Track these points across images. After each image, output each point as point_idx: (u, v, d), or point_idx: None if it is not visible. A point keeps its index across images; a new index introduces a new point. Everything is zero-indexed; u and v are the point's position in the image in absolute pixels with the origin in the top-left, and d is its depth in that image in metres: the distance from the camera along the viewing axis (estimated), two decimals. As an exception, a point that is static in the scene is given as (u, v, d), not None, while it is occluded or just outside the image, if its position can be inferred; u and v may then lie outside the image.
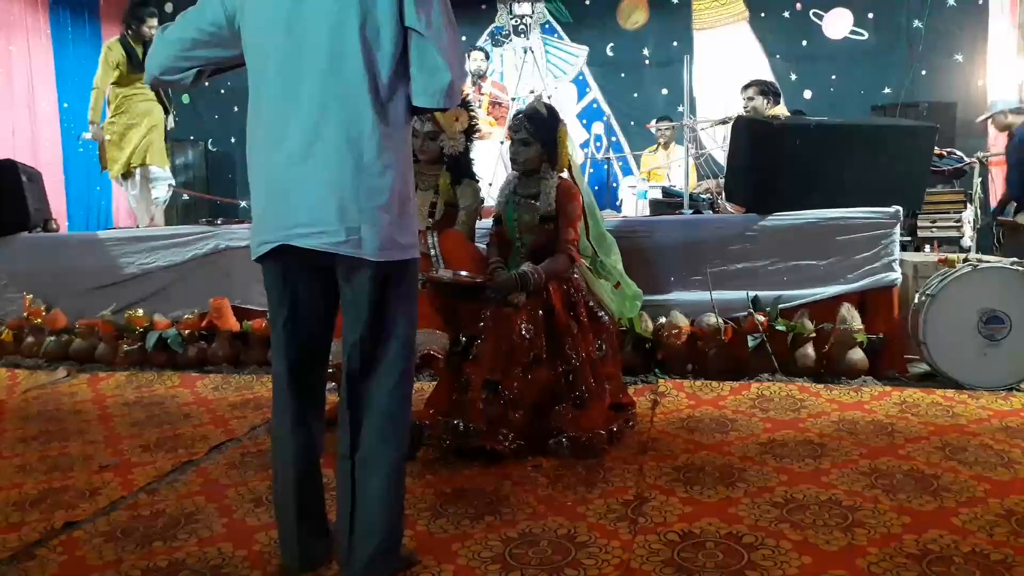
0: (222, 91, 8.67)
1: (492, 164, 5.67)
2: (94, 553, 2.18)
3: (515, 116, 3.21)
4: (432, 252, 3.21)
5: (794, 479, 2.50)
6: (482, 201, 3.46)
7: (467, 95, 3.44)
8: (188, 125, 8.81)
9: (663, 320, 3.89)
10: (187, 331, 4.47)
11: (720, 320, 3.80)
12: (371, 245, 1.78)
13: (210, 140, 8.75)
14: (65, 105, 7.77)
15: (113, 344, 4.60)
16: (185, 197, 8.14)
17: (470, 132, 3.35)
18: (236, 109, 8.69)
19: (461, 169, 3.33)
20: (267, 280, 1.94)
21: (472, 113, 3.36)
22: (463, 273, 3.04)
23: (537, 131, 3.08)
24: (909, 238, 5.27)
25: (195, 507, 2.47)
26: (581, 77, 8.17)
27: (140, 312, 4.58)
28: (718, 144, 6.06)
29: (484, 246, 3.42)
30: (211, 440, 3.16)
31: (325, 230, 1.78)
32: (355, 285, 1.84)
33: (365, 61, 1.77)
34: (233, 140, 8.81)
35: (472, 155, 3.48)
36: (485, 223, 3.53)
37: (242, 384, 4.05)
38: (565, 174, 3.22)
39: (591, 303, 3.13)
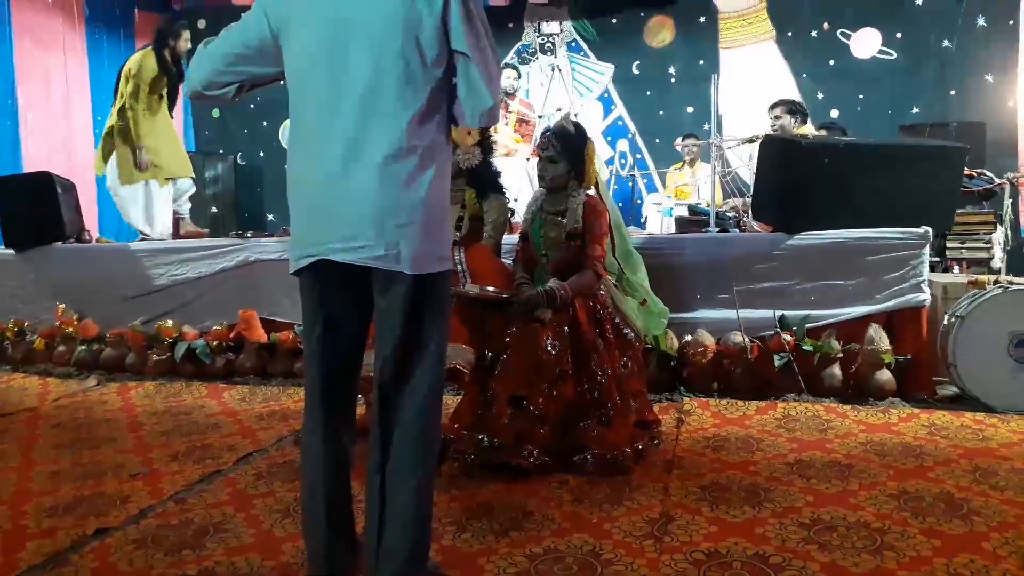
0: (252, 105, 8.81)
1: (518, 181, 5.69)
2: (125, 560, 2.21)
3: (543, 133, 3.25)
4: (459, 267, 3.24)
5: (821, 500, 2.48)
6: (511, 214, 3.48)
7: None
8: (217, 139, 8.97)
9: (689, 338, 3.88)
10: (215, 342, 4.53)
11: (746, 339, 3.79)
12: (408, 259, 1.81)
13: (239, 154, 8.88)
14: (99, 118, 7.91)
15: (143, 354, 4.67)
16: (214, 210, 8.26)
17: (485, 145, 3.38)
18: (265, 124, 8.83)
19: (486, 183, 3.36)
20: (303, 293, 1.96)
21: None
22: (490, 288, 3.06)
23: (564, 148, 3.11)
24: (938, 259, 5.21)
25: (223, 516, 2.51)
26: (607, 94, 8.20)
27: (170, 323, 4.65)
28: (744, 163, 6.06)
29: (510, 262, 3.44)
30: (238, 450, 3.19)
31: (364, 245, 1.81)
32: (390, 298, 1.87)
33: (408, 82, 1.80)
34: (262, 154, 8.93)
35: (496, 168, 3.51)
36: (512, 238, 3.56)
37: (269, 395, 4.09)
38: (592, 191, 3.23)
39: (617, 320, 3.14)
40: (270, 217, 8.73)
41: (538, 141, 3.26)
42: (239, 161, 8.85)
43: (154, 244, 5.14)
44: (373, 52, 1.80)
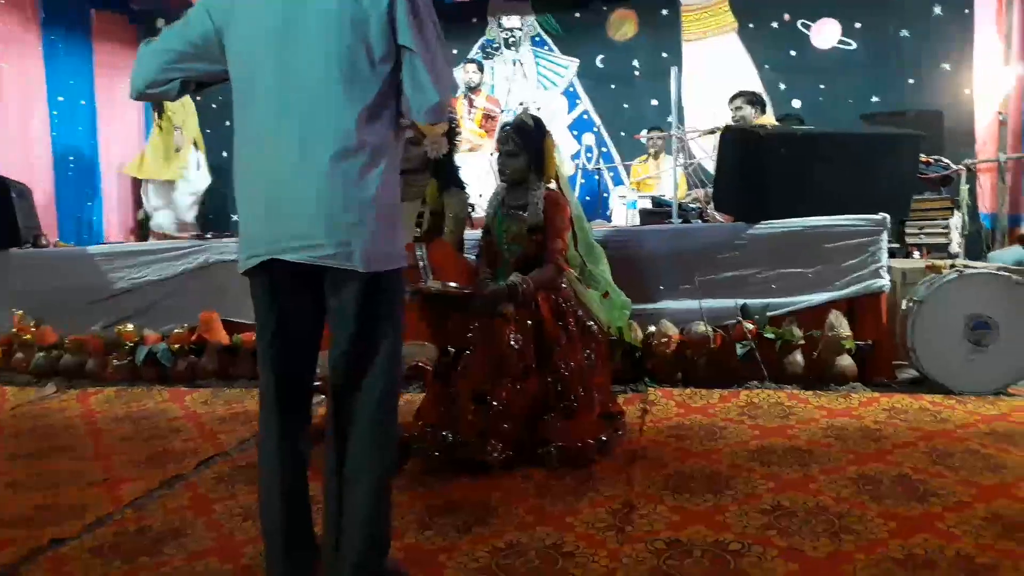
0: (213, 105, 8.67)
1: (483, 176, 5.68)
2: (80, 570, 2.17)
3: (502, 128, 3.24)
4: (421, 263, 3.22)
5: (782, 486, 2.50)
6: (471, 210, 3.47)
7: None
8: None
9: (652, 329, 3.89)
10: (177, 345, 4.46)
11: (709, 328, 3.82)
12: (360, 257, 1.79)
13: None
14: (55, 119, 7.76)
15: (102, 359, 4.59)
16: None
17: (452, 135, 3.36)
18: (228, 123, 8.64)
19: (448, 177, 3.34)
20: (254, 293, 1.94)
21: (451, 115, 3.37)
22: (452, 284, 3.05)
23: (524, 142, 3.10)
24: (897, 245, 5.29)
25: (183, 522, 2.47)
26: (572, 89, 8.20)
27: (130, 327, 4.57)
28: (708, 154, 6.09)
29: (474, 257, 3.43)
30: (200, 454, 3.15)
31: (314, 244, 1.79)
32: (342, 297, 1.85)
33: (355, 78, 1.78)
34: (225, 153, 8.80)
35: (458, 163, 3.49)
36: (475, 234, 3.54)
37: (231, 398, 4.04)
38: (552, 185, 3.23)
39: (580, 313, 3.14)
40: (235, 217, 8.58)
41: (498, 136, 3.25)
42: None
43: (113, 247, 5.06)
44: (319, 49, 1.78)
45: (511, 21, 7.46)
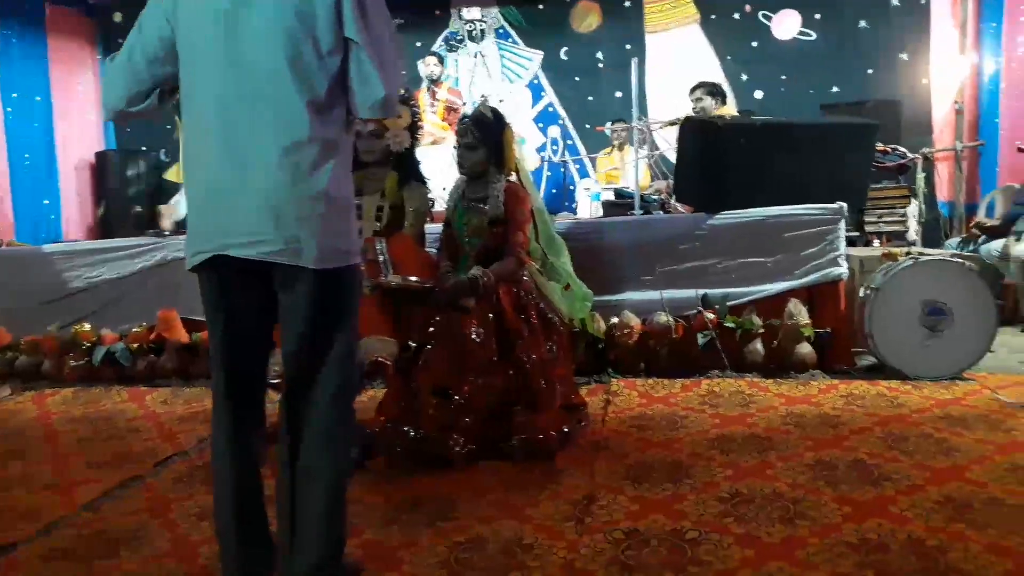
0: (174, 102, 8.53)
1: (445, 169, 5.64)
2: (32, 575, 2.13)
3: (461, 120, 3.22)
4: (381, 258, 3.19)
5: (740, 474, 2.53)
6: (432, 204, 3.45)
7: (407, 91, 3.42)
8: (139, 136, 8.66)
9: (615, 320, 3.91)
10: (135, 344, 4.39)
11: (671, 319, 3.84)
12: (310, 253, 1.77)
13: (163, 151, 8.60)
14: (9, 116, 7.58)
15: (59, 360, 4.49)
16: (137, 209, 8.00)
17: (414, 129, 3.34)
18: (188, 119, 8.55)
19: (408, 171, 3.32)
20: (203, 290, 1.91)
21: (414, 108, 3.35)
22: (412, 278, 3.03)
23: (483, 135, 3.09)
24: (857, 233, 5.36)
25: (139, 524, 2.43)
26: (536, 81, 8.18)
27: (87, 327, 4.48)
28: (671, 145, 6.12)
29: (435, 251, 3.41)
30: (159, 455, 3.10)
31: (262, 239, 1.76)
32: (293, 294, 1.82)
33: (303, 70, 1.76)
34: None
35: (419, 156, 3.47)
36: (437, 227, 3.52)
37: (192, 397, 3.99)
38: (513, 177, 3.22)
39: (541, 305, 3.14)
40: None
41: (457, 128, 3.23)
42: (163, 158, 8.57)
43: (69, 245, 4.96)
44: (266, 42, 1.75)
45: (471, 13, 7.41)
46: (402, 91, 3.38)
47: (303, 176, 1.77)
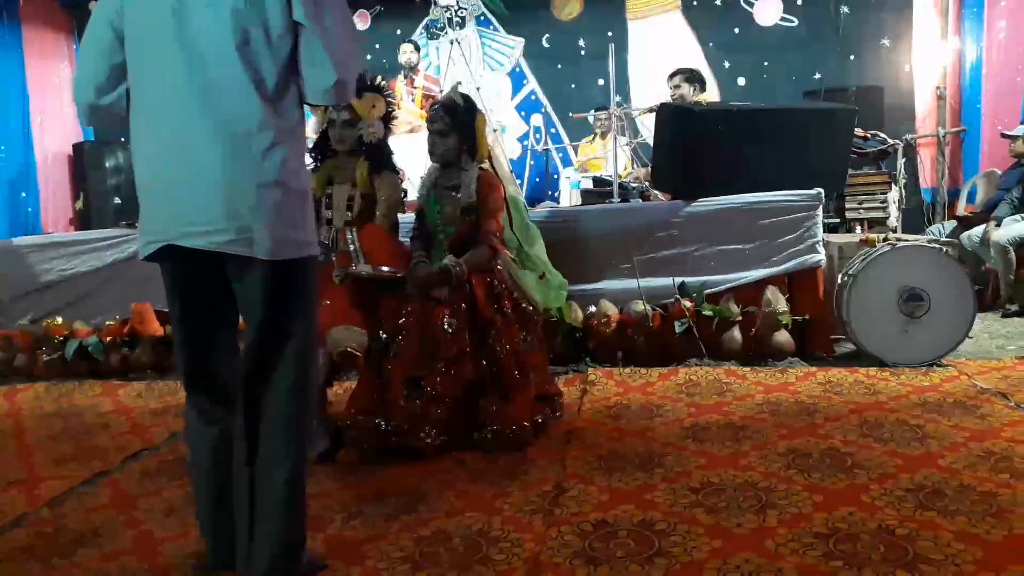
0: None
1: (422, 158, 5.58)
2: (-12, 573, 2.08)
3: (432, 107, 3.17)
4: (352, 247, 3.14)
5: (713, 463, 2.50)
6: (405, 193, 3.40)
7: (382, 81, 3.36)
8: (117, 127, 8.55)
9: (593, 309, 3.87)
10: (109, 338, 4.32)
11: (648, 307, 3.81)
12: (263, 244, 1.73)
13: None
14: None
15: (32, 354, 4.43)
16: (116, 201, 7.90)
17: (388, 119, 3.29)
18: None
19: (380, 160, 3.26)
20: (164, 279, 1.88)
21: (389, 99, 3.29)
22: (384, 268, 2.99)
23: (454, 121, 3.04)
24: (838, 220, 5.35)
25: (101, 521, 2.39)
26: (518, 69, 8.12)
27: (59, 320, 4.42)
28: (652, 132, 6.08)
29: (408, 240, 3.37)
30: (128, 450, 3.07)
31: (213, 229, 1.72)
32: (248, 285, 1.79)
33: (252, 55, 1.72)
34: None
35: (395, 145, 3.42)
36: (410, 217, 3.47)
37: (166, 390, 3.93)
38: (486, 165, 3.17)
39: (515, 295, 3.09)
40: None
41: (428, 115, 3.18)
42: (142, 149, 8.45)
43: (40, 238, 4.88)
44: (216, 28, 1.71)
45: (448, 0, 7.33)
46: (379, 80, 3.33)
47: (255, 164, 1.73)
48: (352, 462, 2.75)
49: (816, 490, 2.24)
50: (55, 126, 8.04)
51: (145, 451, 3.05)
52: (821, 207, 3.88)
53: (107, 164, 7.92)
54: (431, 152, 3.14)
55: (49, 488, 2.69)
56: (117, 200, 7.95)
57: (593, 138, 7.03)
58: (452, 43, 6.07)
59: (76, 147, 8.03)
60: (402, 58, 6.35)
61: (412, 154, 4.87)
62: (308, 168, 2.01)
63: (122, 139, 8.32)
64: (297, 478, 1.82)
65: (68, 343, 4.34)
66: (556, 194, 6.93)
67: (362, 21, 8.06)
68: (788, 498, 2.20)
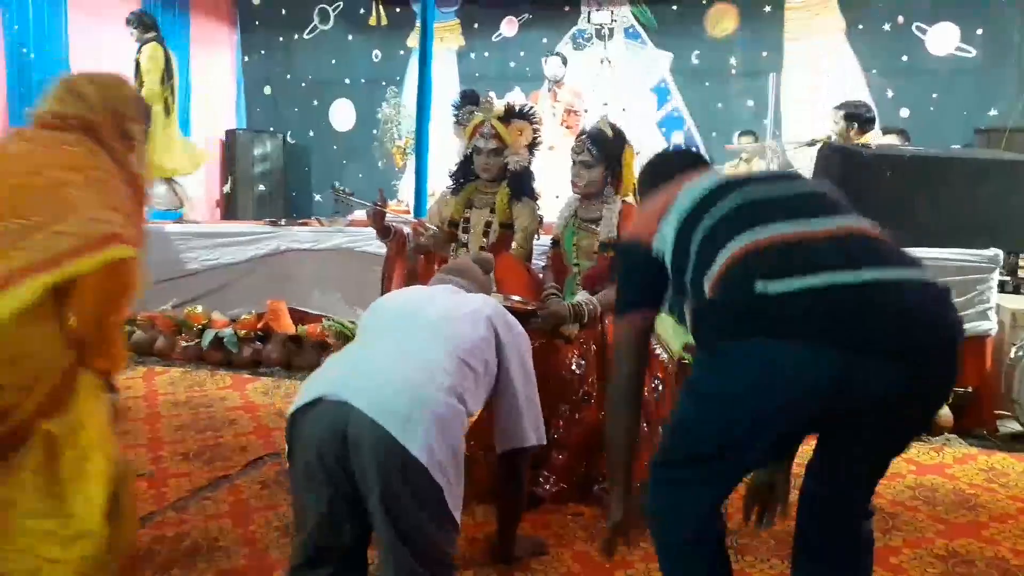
0: (303, 84, 8.74)
1: (561, 176, 5.47)
2: None
3: (578, 137, 3.04)
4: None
5: (859, 559, 2.25)
6: (540, 220, 3.30)
7: (532, 107, 3.27)
8: (267, 116, 8.92)
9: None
10: (243, 331, 4.46)
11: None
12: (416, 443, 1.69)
13: (289, 132, 8.82)
14: None
15: (171, 339, 4.63)
16: (261, 188, 8.24)
17: (533, 146, 3.21)
18: (315, 103, 8.75)
19: (521, 187, 3.18)
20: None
21: (535, 126, 3.20)
22: (515, 298, 2.88)
23: (601, 153, 2.91)
24: (1008, 277, 4.85)
25: (220, 532, 2.41)
26: (663, 84, 7.89)
27: (199, 309, 4.59)
28: (803, 166, 5.73)
29: (541, 265, 3.27)
30: (250, 452, 3.11)
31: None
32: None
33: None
34: (312, 133, 8.86)
35: (533, 172, 3.32)
36: (544, 241, 3.37)
37: (292, 390, 4.00)
38: (629, 198, 3.02)
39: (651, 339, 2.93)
40: (317, 198, 8.66)
41: (573, 145, 3.06)
42: (288, 140, 8.78)
43: (189, 227, 5.09)
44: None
45: (598, 16, 7.19)
46: (528, 107, 3.24)
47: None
48: (466, 501, 2.66)
49: (982, 612, 1.98)
50: (212, 111, 8.44)
51: (267, 456, 3.08)
52: (997, 270, 3.50)
53: (255, 152, 8.27)
54: (573, 183, 3.01)
55: (175, 486, 2.75)
56: (262, 187, 8.28)
57: (737, 164, 6.72)
58: (603, 62, 5.90)
59: (228, 132, 8.41)
60: (548, 71, 6.26)
61: (549, 172, 4.77)
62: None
63: (271, 129, 8.70)
64: None
65: (205, 332, 4.51)
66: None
67: (509, 28, 8.05)
68: (949, 618, 1.95)
